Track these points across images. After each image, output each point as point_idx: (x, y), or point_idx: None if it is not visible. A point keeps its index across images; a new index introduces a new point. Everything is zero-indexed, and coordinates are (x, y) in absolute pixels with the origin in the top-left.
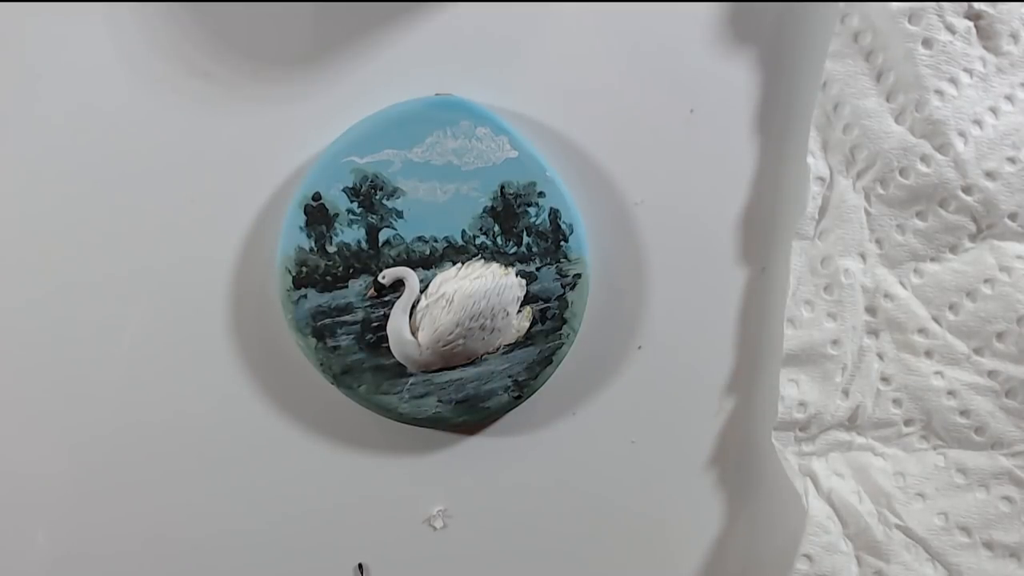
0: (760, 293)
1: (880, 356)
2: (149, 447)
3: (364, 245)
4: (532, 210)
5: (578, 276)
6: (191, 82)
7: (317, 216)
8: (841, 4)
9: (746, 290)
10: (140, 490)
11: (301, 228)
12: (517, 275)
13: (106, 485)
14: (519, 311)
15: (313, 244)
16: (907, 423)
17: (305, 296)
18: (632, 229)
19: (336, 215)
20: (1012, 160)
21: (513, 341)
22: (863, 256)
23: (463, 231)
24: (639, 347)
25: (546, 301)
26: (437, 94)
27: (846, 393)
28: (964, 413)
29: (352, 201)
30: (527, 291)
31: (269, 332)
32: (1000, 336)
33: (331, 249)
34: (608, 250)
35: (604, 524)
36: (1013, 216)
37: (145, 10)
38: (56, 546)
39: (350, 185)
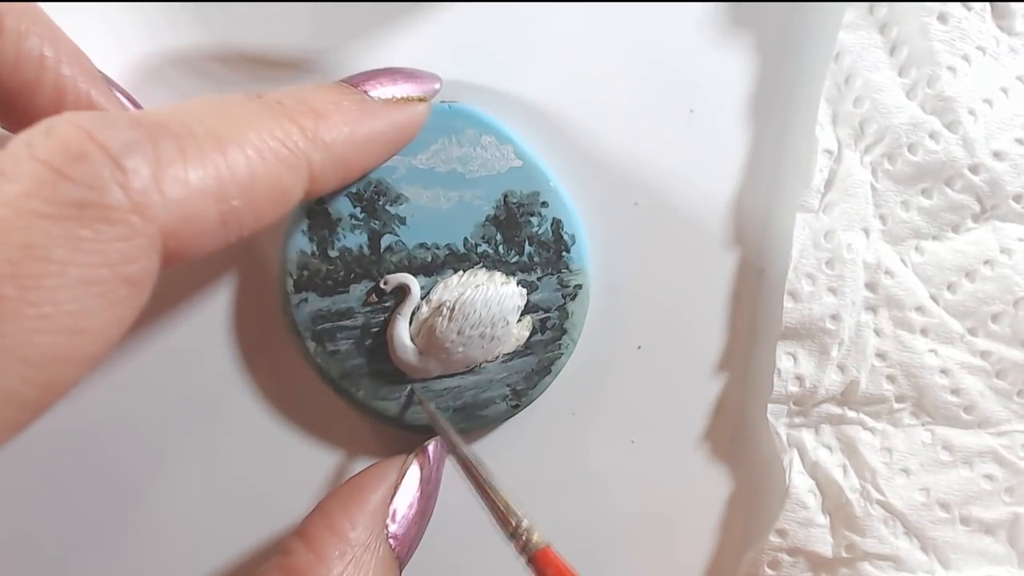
0: (760, 293)
1: (877, 332)
2: (146, 448)
3: (366, 250)
4: (535, 220)
5: (579, 287)
6: (191, 82)
7: (320, 220)
8: None
9: (746, 289)
10: (137, 492)
11: (303, 232)
12: (518, 284)
13: (104, 486)
14: (519, 320)
15: (315, 248)
16: (899, 399)
17: (306, 300)
18: (634, 240)
19: (339, 220)
20: (1020, 141)
21: (512, 350)
22: (866, 231)
23: (465, 239)
24: (639, 347)
25: (546, 311)
26: (443, 102)
27: (841, 368)
28: (955, 391)
29: (355, 206)
30: (527, 301)
31: (268, 335)
32: (995, 317)
33: (333, 253)
34: (610, 262)
35: (604, 525)
36: (1018, 198)
37: (145, 10)
38: (55, 546)
39: (353, 190)
